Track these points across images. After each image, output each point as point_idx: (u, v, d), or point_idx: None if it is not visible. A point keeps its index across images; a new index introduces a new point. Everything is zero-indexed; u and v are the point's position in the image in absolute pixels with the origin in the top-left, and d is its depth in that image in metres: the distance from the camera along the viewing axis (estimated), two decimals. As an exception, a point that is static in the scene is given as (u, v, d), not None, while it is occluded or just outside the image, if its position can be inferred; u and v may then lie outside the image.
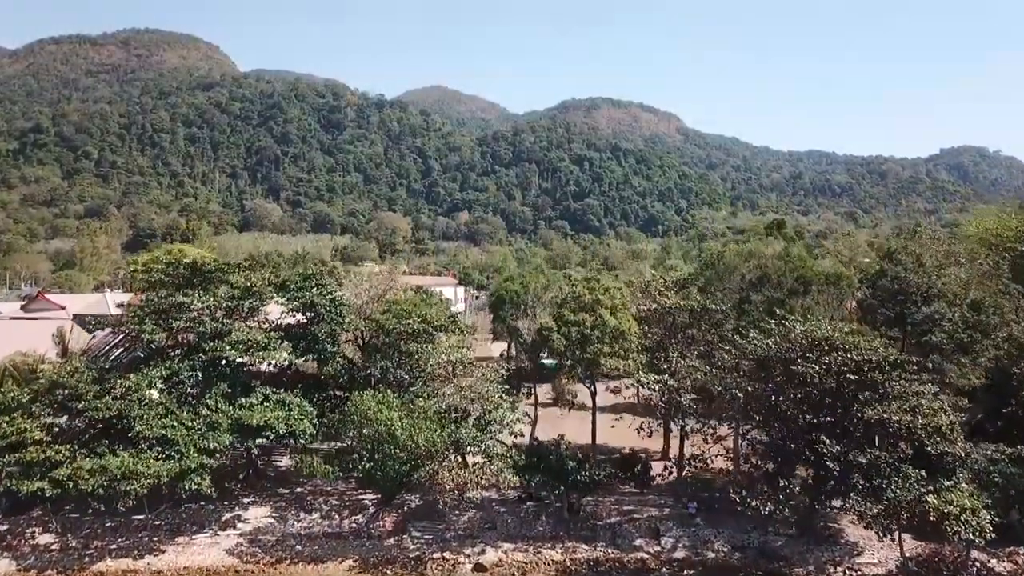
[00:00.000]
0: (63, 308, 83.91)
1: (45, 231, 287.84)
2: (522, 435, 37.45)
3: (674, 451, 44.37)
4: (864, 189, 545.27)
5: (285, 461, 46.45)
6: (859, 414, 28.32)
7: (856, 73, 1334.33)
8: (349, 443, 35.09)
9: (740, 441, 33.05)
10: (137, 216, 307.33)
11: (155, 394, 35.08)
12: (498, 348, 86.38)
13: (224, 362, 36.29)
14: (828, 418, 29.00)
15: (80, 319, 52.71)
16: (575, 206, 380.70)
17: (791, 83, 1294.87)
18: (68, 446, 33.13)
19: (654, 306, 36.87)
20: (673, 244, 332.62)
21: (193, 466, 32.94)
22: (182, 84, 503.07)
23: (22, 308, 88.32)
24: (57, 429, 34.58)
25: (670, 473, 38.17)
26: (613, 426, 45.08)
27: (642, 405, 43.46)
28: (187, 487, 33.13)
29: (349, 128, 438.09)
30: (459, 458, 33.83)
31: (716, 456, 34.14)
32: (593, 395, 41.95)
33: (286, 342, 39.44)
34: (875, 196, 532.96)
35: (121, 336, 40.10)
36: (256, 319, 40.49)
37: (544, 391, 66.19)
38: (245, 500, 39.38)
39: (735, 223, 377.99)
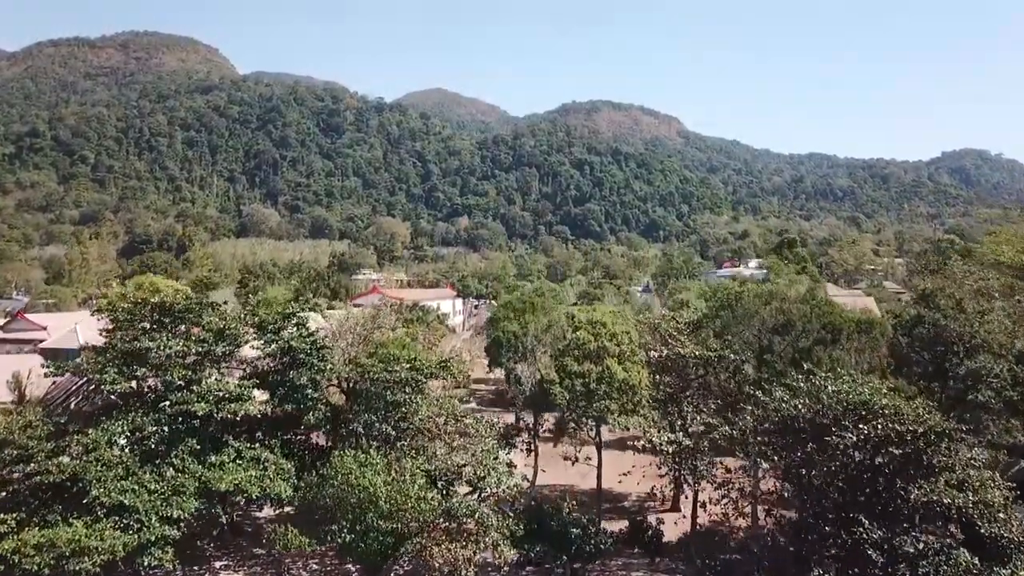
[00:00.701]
0: (44, 328, 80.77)
1: (40, 237, 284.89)
2: (520, 499, 34.13)
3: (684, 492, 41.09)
4: (866, 193, 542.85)
5: (266, 511, 43.05)
6: (902, 492, 24.95)
7: (856, 75, 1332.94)
8: (328, 503, 31.51)
9: (766, 518, 29.58)
10: (133, 222, 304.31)
11: (116, 451, 31.63)
12: (496, 370, 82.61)
13: (193, 414, 32.82)
14: (867, 491, 25.68)
15: (46, 354, 49.44)
16: (576, 211, 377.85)
17: (791, 85, 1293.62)
18: (14, 514, 29.66)
19: (665, 352, 33.52)
20: (675, 250, 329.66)
21: (154, 538, 29.50)
22: (180, 87, 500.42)
23: (1, 329, 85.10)
24: (4, 494, 31.15)
25: (684, 547, 34.70)
26: (620, 481, 41.72)
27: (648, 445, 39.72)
28: (146, 563, 29.68)
29: (348, 132, 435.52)
30: (453, 525, 30.33)
31: (736, 529, 30.79)
32: (599, 447, 38.47)
33: (262, 390, 36.06)
34: (877, 200, 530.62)
35: (82, 382, 36.70)
36: (230, 363, 37.05)
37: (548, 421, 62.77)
38: (217, 564, 35.96)
39: (737, 228, 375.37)
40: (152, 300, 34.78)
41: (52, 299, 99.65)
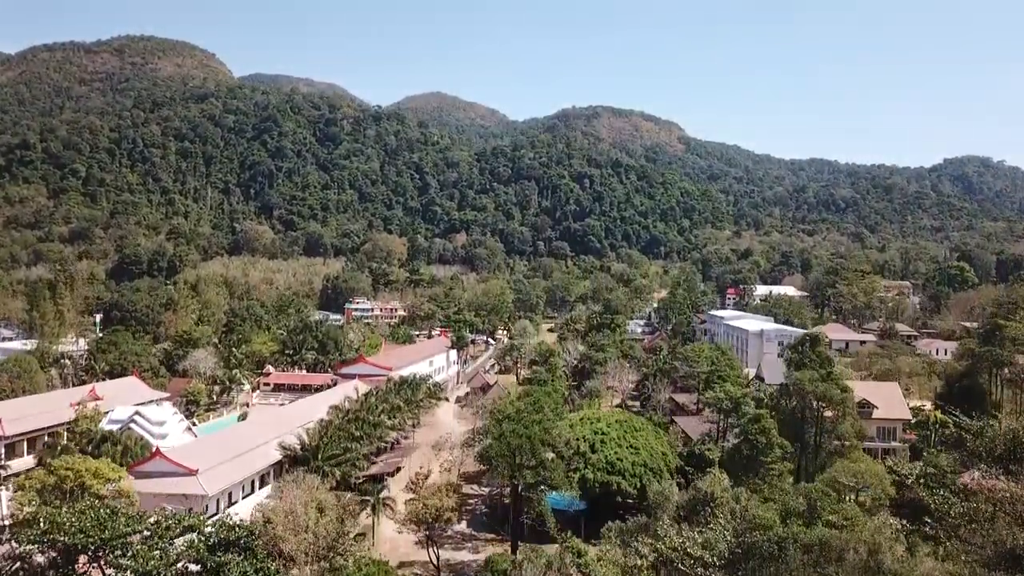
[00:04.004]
0: (-2, 421, 74.42)
1: (27, 256, 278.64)
2: None
3: None
4: (869, 204, 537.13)
5: None
6: None
7: (858, 79, 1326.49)
8: None
9: None
10: (124, 239, 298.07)
11: None
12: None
13: None
14: None
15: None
16: (575, 226, 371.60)
17: (792, 89, 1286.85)
18: None
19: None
20: (675, 270, 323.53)
21: None
22: (175, 94, 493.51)
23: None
24: None
25: None
26: None
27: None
28: None
29: (345, 142, 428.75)
30: None
31: None
32: None
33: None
34: (880, 212, 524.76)
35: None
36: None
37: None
38: None
39: (739, 244, 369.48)
40: (59, 539, 28.45)
41: (16, 369, 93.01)
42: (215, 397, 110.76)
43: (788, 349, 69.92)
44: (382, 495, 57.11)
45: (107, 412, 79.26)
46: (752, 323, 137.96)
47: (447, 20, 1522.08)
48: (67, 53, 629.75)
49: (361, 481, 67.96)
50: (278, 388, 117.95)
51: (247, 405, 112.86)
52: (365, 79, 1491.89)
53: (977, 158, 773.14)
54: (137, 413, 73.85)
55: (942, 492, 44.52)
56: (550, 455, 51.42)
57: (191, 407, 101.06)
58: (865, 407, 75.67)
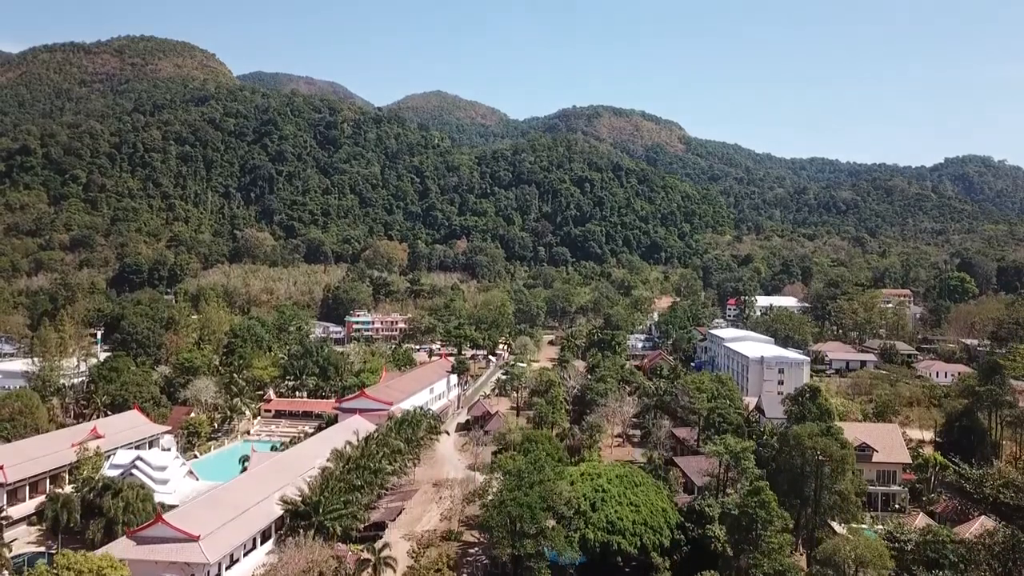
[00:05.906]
0: (0, 468, 74.59)
1: (28, 264, 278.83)
2: None
3: None
4: (870, 206, 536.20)
5: None
6: None
7: (859, 76, 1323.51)
8: None
9: None
10: (125, 247, 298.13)
11: None
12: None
13: None
14: None
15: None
16: (576, 231, 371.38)
17: (793, 90, 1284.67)
18: None
19: None
20: (676, 275, 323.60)
21: None
22: (176, 97, 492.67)
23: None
24: None
25: None
26: None
27: None
28: None
29: (345, 145, 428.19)
30: None
31: None
32: None
33: None
34: (881, 214, 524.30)
35: None
36: None
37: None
38: None
39: (740, 250, 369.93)
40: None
41: (16, 403, 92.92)
42: (216, 425, 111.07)
43: (788, 399, 69.80)
44: (383, 554, 57.23)
45: (109, 454, 79.53)
46: (752, 347, 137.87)
47: (448, 19, 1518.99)
48: (67, 54, 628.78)
49: (364, 528, 68.36)
50: (279, 415, 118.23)
51: (248, 432, 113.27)
52: (365, 78, 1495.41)
53: (978, 158, 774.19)
54: (139, 458, 74.09)
55: (942, 574, 45.13)
56: (551, 523, 51.51)
57: (192, 439, 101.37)
58: (864, 450, 75.79)
